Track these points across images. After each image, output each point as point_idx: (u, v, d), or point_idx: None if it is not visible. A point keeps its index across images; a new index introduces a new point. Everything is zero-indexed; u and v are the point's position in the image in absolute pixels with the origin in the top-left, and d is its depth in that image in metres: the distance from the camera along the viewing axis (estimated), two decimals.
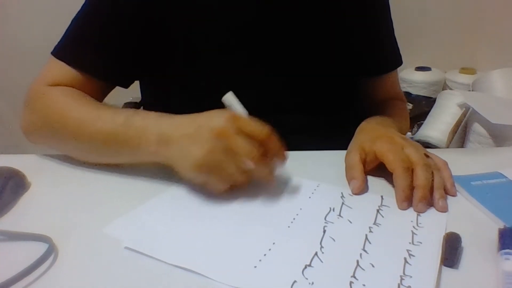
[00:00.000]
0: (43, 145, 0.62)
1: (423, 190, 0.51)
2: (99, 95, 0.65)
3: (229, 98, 0.52)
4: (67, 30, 0.64)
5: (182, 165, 0.50)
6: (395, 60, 0.84)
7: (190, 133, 0.49)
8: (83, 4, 0.64)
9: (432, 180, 0.52)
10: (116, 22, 0.63)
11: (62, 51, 0.63)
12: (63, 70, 0.62)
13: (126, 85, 0.69)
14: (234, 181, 0.50)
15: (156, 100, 0.75)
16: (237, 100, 0.52)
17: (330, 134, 0.67)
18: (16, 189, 0.54)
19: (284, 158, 0.52)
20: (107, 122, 0.55)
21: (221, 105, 0.53)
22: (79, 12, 0.64)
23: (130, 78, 0.69)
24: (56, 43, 0.65)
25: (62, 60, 0.62)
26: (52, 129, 0.59)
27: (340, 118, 0.74)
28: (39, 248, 0.42)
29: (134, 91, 0.75)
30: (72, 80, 0.62)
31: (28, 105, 0.63)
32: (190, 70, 0.66)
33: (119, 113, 0.56)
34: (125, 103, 0.98)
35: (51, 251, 0.42)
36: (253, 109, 0.59)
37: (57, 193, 0.55)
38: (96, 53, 0.63)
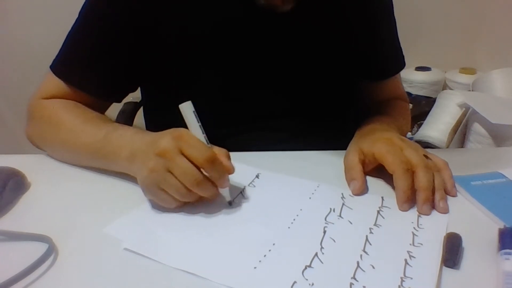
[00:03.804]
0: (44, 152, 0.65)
1: (426, 192, 0.51)
2: (97, 108, 0.66)
3: (184, 107, 0.48)
4: (63, 44, 0.66)
5: (138, 179, 0.50)
6: (398, 64, 0.82)
7: (144, 150, 0.49)
8: (77, 18, 0.65)
9: (433, 181, 0.52)
10: (107, 37, 0.63)
11: (58, 67, 0.66)
12: (59, 85, 0.65)
13: (119, 100, 0.72)
14: (178, 200, 0.48)
15: (156, 101, 0.75)
16: (193, 110, 0.48)
17: (330, 137, 0.66)
18: (16, 189, 0.54)
19: (223, 186, 0.49)
20: (89, 137, 0.58)
21: (218, 107, 0.53)
22: (73, 26, 0.65)
23: (122, 93, 0.71)
24: (57, 43, 0.66)
25: (58, 76, 0.65)
26: (47, 140, 0.64)
27: (340, 121, 0.74)
28: (39, 248, 0.42)
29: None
30: (68, 95, 0.65)
31: (29, 116, 0.67)
32: (185, 75, 0.66)
33: (101, 128, 0.59)
34: (125, 103, 0.98)
35: (51, 251, 0.42)
36: (252, 113, 0.60)
37: (57, 193, 0.55)
38: (89, 70, 0.65)
